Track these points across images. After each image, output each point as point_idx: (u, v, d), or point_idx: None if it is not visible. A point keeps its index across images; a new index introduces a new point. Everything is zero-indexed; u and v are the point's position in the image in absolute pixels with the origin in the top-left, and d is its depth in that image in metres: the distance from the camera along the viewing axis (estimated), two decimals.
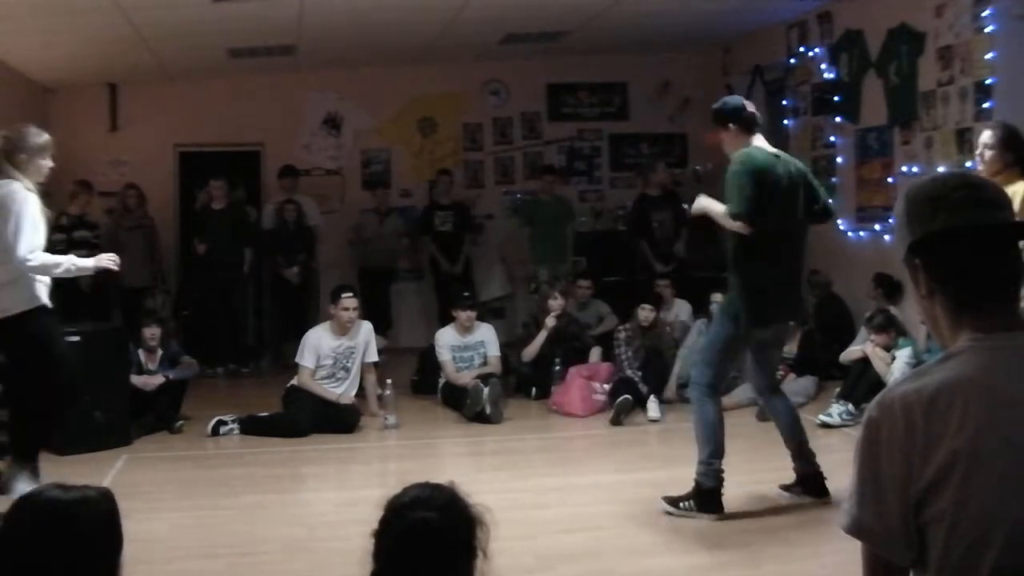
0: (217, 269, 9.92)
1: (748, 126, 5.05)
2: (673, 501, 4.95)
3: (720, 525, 4.85)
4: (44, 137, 5.26)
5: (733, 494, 5.09)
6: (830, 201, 5.33)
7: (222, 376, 9.74)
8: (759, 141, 5.04)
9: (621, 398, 7.34)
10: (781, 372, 7.70)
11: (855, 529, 1.72)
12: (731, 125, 5.04)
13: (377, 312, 10.45)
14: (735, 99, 5.20)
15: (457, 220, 10.59)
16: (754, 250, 4.88)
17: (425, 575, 2.02)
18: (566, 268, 10.45)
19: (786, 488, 5.22)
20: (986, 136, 5.02)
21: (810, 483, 5.14)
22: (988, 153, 4.96)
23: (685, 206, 10.32)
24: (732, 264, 4.99)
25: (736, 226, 4.81)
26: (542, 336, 8.33)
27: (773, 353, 5.35)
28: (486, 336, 8.11)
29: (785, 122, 10.14)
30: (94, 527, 2.01)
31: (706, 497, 4.90)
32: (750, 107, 5.10)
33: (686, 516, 4.88)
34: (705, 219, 5.10)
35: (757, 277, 4.92)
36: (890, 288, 7.94)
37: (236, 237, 9.98)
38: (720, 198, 4.90)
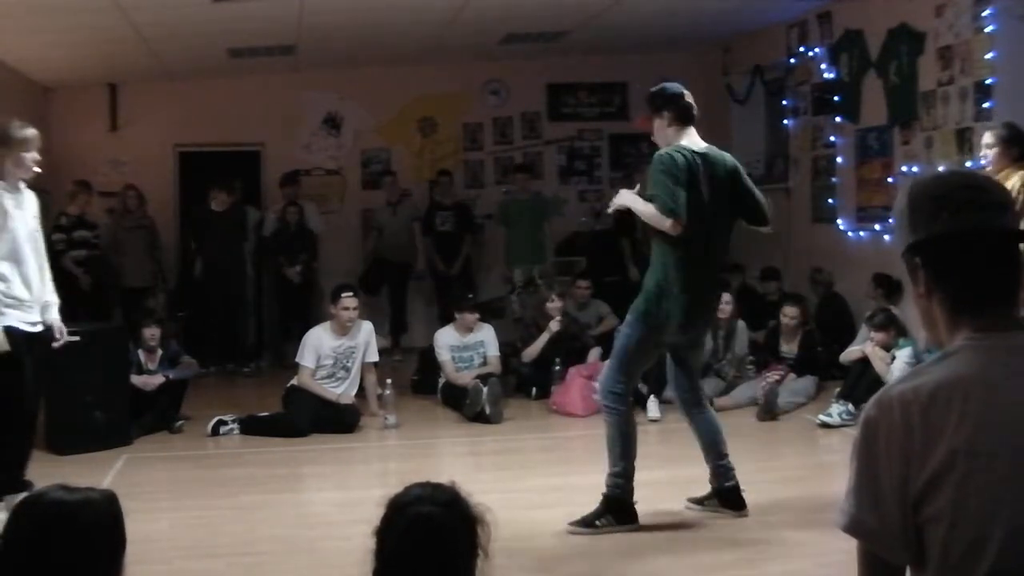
0: (218, 270, 9.92)
1: (683, 117, 4.78)
2: (586, 522, 4.76)
3: (720, 525, 4.85)
4: (27, 131, 5.01)
5: None
6: (764, 203, 4.94)
7: (222, 376, 9.73)
8: (692, 135, 4.80)
9: None
10: (781, 372, 7.74)
11: (853, 528, 1.72)
12: (665, 113, 4.78)
13: (394, 308, 10.51)
14: (674, 85, 4.88)
15: (458, 220, 10.61)
16: (679, 250, 4.66)
17: (428, 572, 2.03)
18: (545, 267, 10.43)
19: (697, 501, 5.05)
20: (987, 137, 5.12)
21: (727, 496, 4.97)
22: (991, 152, 5.01)
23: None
24: (654, 264, 4.75)
25: (667, 225, 4.57)
26: (544, 338, 8.33)
27: (694, 356, 5.07)
28: (486, 336, 8.12)
29: (785, 122, 10.15)
30: (97, 528, 2.01)
31: (619, 507, 4.77)
32: (688, 97, 4.83)
33: (604, 532, 4.72)
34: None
35: (681, 278, 4.68)
36: (890, 288, 7.94)
37: (236, 238, 9.98)
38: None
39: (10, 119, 5.10)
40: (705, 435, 5.00)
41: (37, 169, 5.08)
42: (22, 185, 5.05)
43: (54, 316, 5.18)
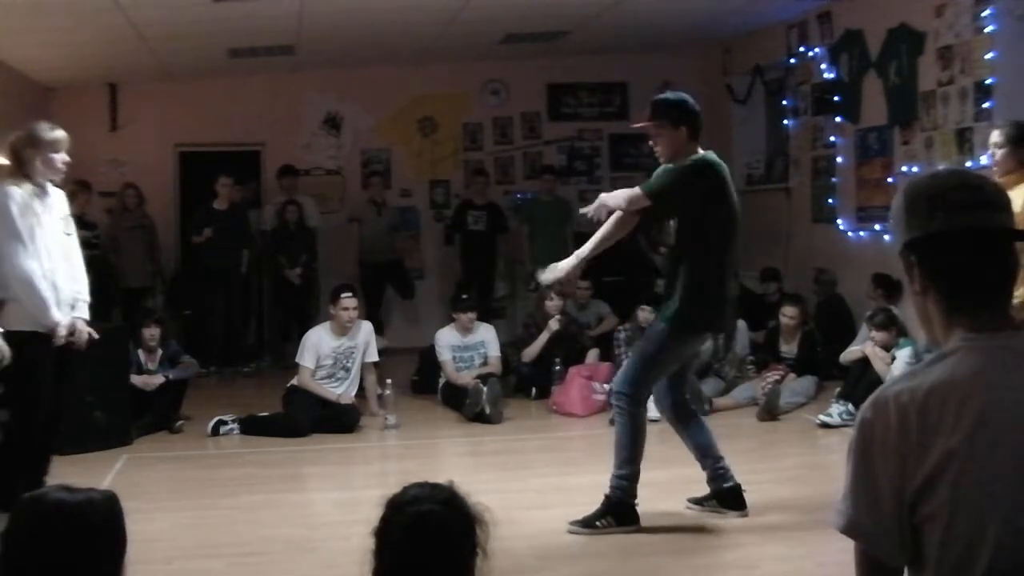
0: (217, 270, 9.91)
1: (697, 133, 4.79)
2: (586, 522, 4.75)
3: (720, 525, 4.85)
4: (56, 132, 5.04)
5: None
6: None
7: (222, 376, 9.74)
8: (700, 149, 4.80)
9: None
10: (781, 372, 7.74)
11: (849, 529, 1.72)
12: (683, 127, 4.74)
13: (378, 310, 10.51)
14: (691, 100, 4.84)
15: (490, 220, 10.63)
16: (714, 257, 4.69)
17: (429, 570, 2.02)
18: None
19: (697, 501, 5.03)
20: (995, 135, 5.01)
21: (728, 497, 4.95)
22: (999, 152, 4.94)
23: None
24: (685, 272, 4.71)
25: (637, 195, 4.62)
26: (544, 337, 8.33)
27: (691, 363, 5.10)
28: (486, 336, 8.12)
29: (785, 122, 10.15)
30: (99, 529, 2.02)
31: (621, 509, 4.76)
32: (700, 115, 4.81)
33: (604, 533, 4.72)
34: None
35: (716, 284, 4.70)
36: (889, 288, 7.94)
37: (237, 238, 9.99)
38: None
39: (38, 120, 5.13)
40: (699, 442, 5.00)
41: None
42: (49, 186, 5.05)
43: (79, 314, 5.08)
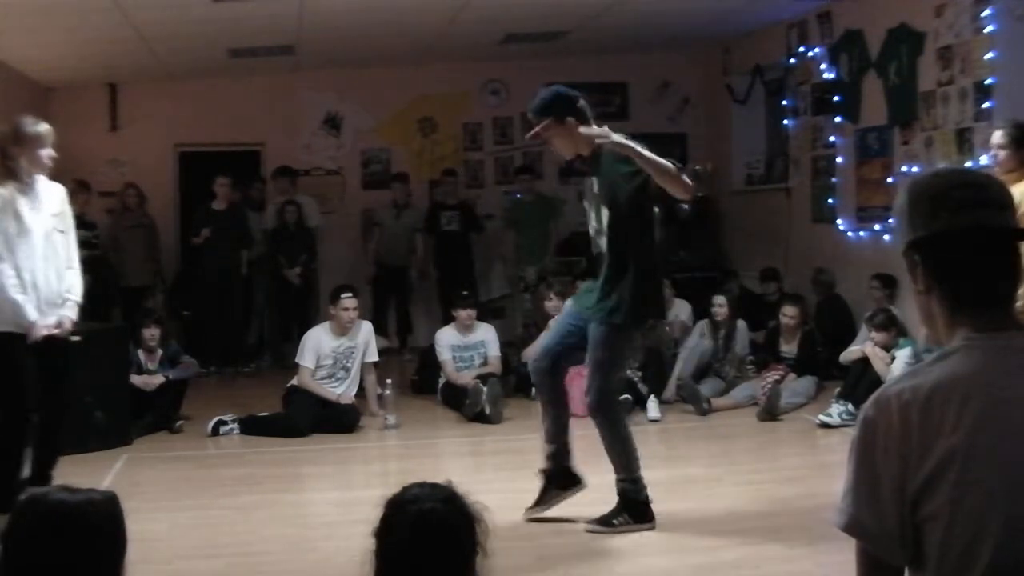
0: (216, 270, 9.91)
1: (588, 119, 4.60)
2: (604, 521, 4.75)
3: (720, 525, 4.85)
4: (40, 127, 4.93)
5: (733, 494, 5.10)
6: None
7: (222, 376, 9.73)
8: None
9: (621, 398, 7.32)
10: (781, 372, 7.74)
11: (850, 527, 1.72)
12: (569, 118, 4.57)
13: (400, 312, 10.53)
14: (567, 89, 4.67)
15: (463, 220, 10.61)
16: (646, 241, 4.61)
17: (433, 568, 2.02)
18: (550, 266, 10.46)
19: (541, 503, 4.98)
20: (997, 137, 5.02)
21: (565, 477, 4.97)
22: (1002, 153, 4.95)
23: (685, 205, 10.33)
24: (627, 264, 4.58)
25: (687, 184, 4.34)
26: (543, 337, 8.32)
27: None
28: (486, 336, 8.12)
29: (785, 122, 10.14)
30: (100, 530, 2.01)
31: (635, 506, 4.76)
32: (582, 98, 4.63)
33: (621, 531, 4.72)
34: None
35: (650, 273, 4.63)
36: (890, 288, 7.94)
37: (236, 238, 9.98)
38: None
39: (23, 115, 5.03)
40: (560, 405, 5.01)
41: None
42: (39, 183, 4.97)
43: (65, 314, 5.06)
